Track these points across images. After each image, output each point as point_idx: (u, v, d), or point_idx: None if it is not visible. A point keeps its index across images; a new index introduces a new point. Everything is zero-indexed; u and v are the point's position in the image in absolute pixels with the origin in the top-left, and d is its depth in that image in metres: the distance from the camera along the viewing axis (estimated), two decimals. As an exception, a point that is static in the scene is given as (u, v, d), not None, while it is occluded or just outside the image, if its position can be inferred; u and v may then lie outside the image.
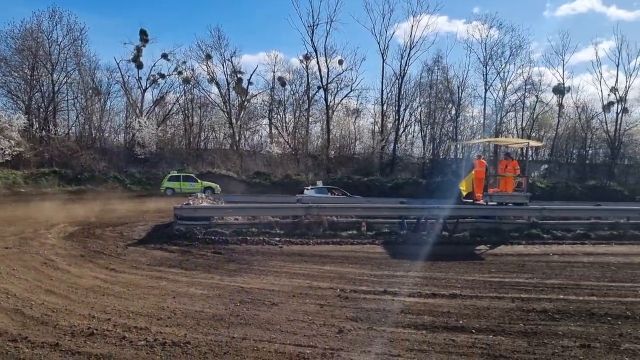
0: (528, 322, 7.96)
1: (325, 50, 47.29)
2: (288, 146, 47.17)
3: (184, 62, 49.95)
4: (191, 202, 18.76)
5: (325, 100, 47.81)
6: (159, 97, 50.29)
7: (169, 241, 14.99)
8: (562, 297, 9.55)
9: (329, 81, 47.55)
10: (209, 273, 11.07)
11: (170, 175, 35.15)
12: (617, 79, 47.04)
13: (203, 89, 50.52)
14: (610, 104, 47.63)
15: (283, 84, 51.25)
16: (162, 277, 10.50)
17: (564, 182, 40.65)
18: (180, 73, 50.04)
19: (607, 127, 47.28)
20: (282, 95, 51.84)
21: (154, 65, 49.78)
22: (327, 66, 47.41)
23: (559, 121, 48.46)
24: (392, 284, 10.19)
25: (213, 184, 34.71)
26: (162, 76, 50.04)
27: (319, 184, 33.04)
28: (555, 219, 18.45)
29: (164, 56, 49.67)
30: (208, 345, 6.63)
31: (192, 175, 35.80)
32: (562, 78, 47.77)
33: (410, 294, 9.53)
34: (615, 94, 47.20)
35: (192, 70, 49.95)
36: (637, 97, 49.71)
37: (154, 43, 51.73)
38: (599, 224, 18.25)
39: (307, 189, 30.36)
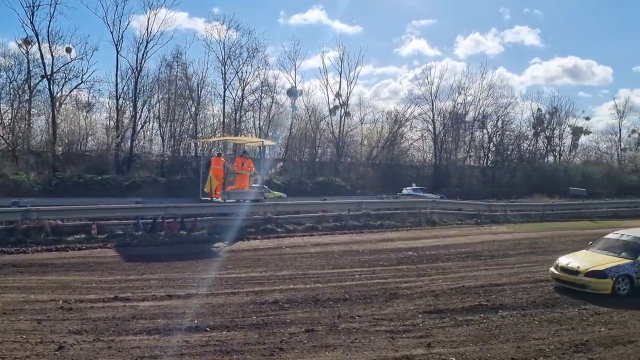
0: (260, 314, 8.21)
1: (49, 35, 41.79)
2: (4, 141, 40.93)
3: None
4: None
5: (50, 91, 42.59)
6: None
7: None
8: (291, 286, 10.13)
9: (54, 70, 42.51)
10: None
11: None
12: (340, 86, 52.81)
13: None
14: (335, 107, 53.26)
15: (-3, 71, 44.19)
16: None
17: (297, 178, 43.87)
18: None
19: (332, 129, 52.64)
20: (-4, 83, 44.68)
21: None
22: (52, 54, 42.27)
23: (292, 122, 52.21)
24: (125, 289, 9.55)
25: (283, 194, 33.66)
26: None
27: (414, 185, 42.56)
28: (288, 213, 19.70)
29: None
30: None
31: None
32: (295, 82, 51.61)
33: (144, 298, 9.04)
34: (339, 99, 52.96)
35: None
36: (357, 103, 55.96)
37: None
38: (326, 217, 20.01)
39: (406, 189, 40.14)
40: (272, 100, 50.80)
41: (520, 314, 8.73)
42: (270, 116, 50.72)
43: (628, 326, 8.25)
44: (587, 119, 61.69)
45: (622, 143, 62.12)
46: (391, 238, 17.50)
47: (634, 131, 61.97)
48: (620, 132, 61.97)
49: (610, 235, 11.81)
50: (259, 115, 50.80)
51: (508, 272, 12.07)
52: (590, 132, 61.98)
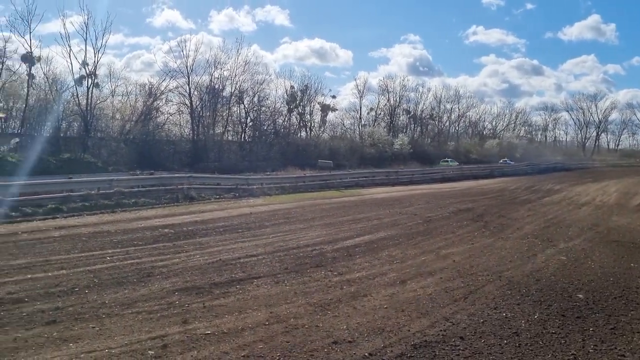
0: (-12, 312, 7.03)
1: None
2: None
3: None
4: None
5: None
6: None
7: None
8: (29, 276, 8.92)
9: None
10: None
11: (443, 159, 63.13)
12: (86, 54, 47.96)
13: None
14: (82, 77, 48.33)
15: None
16: None
17: (38, 156, 39.17)
18: None
19: (79, 101, 47.87)
20: None
21: None
22: None
23: (29, 92, 46.15)
24: None
25: (455, 162, 61.94)
26: None
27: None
28: (25, 195, 17.41)
29: None
30: None
31: (451, 158, 64.92)
32: (31, 47, 45.39)
33: None
34: (85, 69, 48.15)
35: None
36: (107, 74, 51.90)
37: None
38: (72, 197, 18.21)
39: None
40: (2, 66, 44.25)
41: (273, 281, 9.07)
42: (0, 84, 44.20)
43: (363, 281, 9.16)
44: (334, 97, 68.45)
45: (362, 120, 70.23)
46: (146, 216, 16.72)
47: (371, 109, 70.49)
48: (360, 110, 69.96)
49: None
50: (-9, 83, 43.87)
51: (263, 243, 12.48)
52: (337, 110, 69.06)
